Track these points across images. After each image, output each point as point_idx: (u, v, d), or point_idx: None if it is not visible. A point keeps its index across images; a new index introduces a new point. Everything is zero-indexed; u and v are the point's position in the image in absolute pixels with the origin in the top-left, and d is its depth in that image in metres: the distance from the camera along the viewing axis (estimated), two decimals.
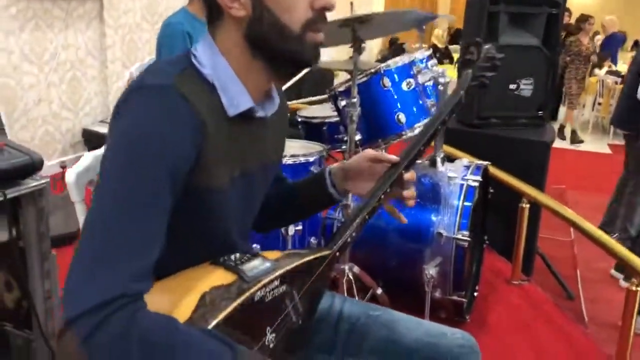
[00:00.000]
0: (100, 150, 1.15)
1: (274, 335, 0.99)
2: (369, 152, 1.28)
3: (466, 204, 2.26)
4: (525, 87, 3.22)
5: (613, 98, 7.51)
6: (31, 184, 1.34)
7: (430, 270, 2.20)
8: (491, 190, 2.56)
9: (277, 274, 1.00)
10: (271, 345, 0.99)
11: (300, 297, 1.07)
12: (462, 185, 2.29)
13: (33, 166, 1.31)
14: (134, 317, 0.82)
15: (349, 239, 1.18)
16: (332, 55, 6.90)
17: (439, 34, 10.90)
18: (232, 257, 1.04)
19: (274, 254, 1.08)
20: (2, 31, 4.03)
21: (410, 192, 1.26)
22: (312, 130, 2.62)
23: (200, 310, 0.91)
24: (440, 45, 10.46)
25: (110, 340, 0.80)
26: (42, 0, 4.27)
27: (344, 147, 2.39)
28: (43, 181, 1.36)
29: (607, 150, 7.25)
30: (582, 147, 7.29)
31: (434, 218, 2.27)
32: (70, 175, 1.17)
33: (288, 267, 1.03)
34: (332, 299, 1.36)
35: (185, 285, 0.98)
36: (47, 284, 1.50)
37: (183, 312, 0.91)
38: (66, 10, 4.48)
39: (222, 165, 1.01)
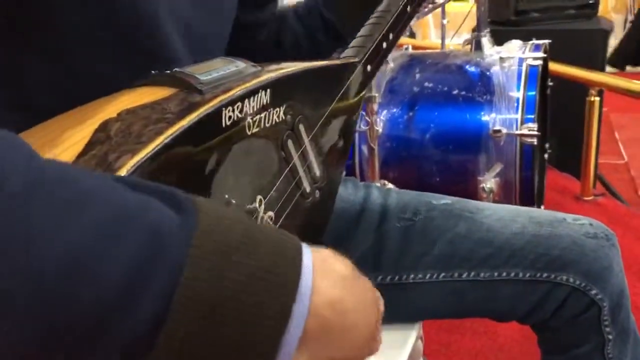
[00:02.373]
0: None
1: (271, 214, 0.45)
2: None
3: (529, 93, 1.70)
4: None
5: None
6: None
7: (488, 183, 1.67)
8: (550, 83, 2.00)
9: (263, 78, 0.46)
10: None
11: (313, 138, 0.53)
12: (520, 70, 1.73)
13: None
14: None
15: (384, 44, 0.67)
16: None
17: None
18: (171, 71, 0.50)
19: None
20: None
21: None
22: None
23: (97, 150, 0.38)
24: None
25: None
26: None
27: None
28: None
29: None
30: None
31: (486, 115, 1.72)
32: None
33: (286, 72, 0.49)
34: (366, 190, 0.83)
35: (72, 119, 0.44)
36: None
37: (59, 155, 0.39)
38: None
39: None
